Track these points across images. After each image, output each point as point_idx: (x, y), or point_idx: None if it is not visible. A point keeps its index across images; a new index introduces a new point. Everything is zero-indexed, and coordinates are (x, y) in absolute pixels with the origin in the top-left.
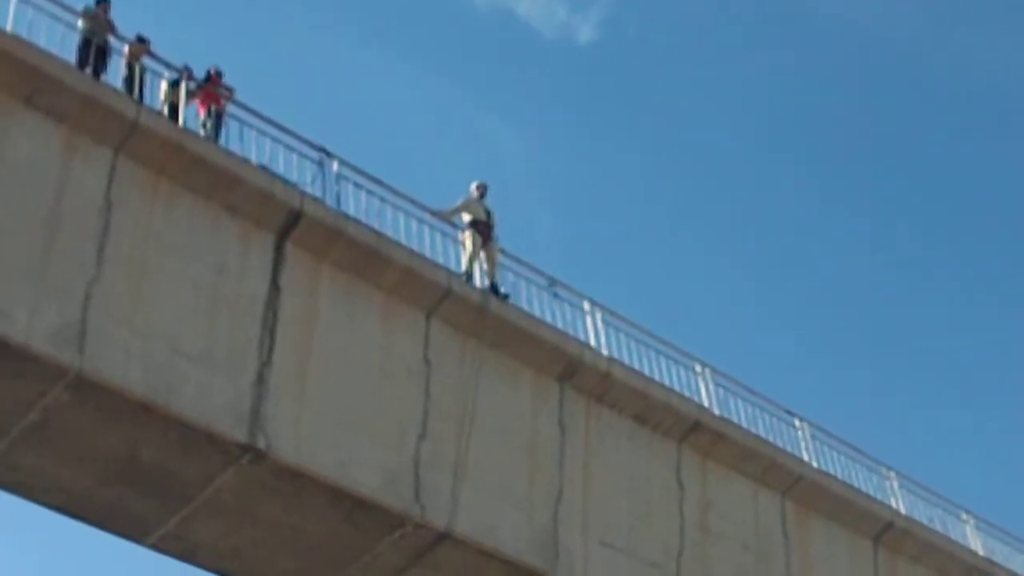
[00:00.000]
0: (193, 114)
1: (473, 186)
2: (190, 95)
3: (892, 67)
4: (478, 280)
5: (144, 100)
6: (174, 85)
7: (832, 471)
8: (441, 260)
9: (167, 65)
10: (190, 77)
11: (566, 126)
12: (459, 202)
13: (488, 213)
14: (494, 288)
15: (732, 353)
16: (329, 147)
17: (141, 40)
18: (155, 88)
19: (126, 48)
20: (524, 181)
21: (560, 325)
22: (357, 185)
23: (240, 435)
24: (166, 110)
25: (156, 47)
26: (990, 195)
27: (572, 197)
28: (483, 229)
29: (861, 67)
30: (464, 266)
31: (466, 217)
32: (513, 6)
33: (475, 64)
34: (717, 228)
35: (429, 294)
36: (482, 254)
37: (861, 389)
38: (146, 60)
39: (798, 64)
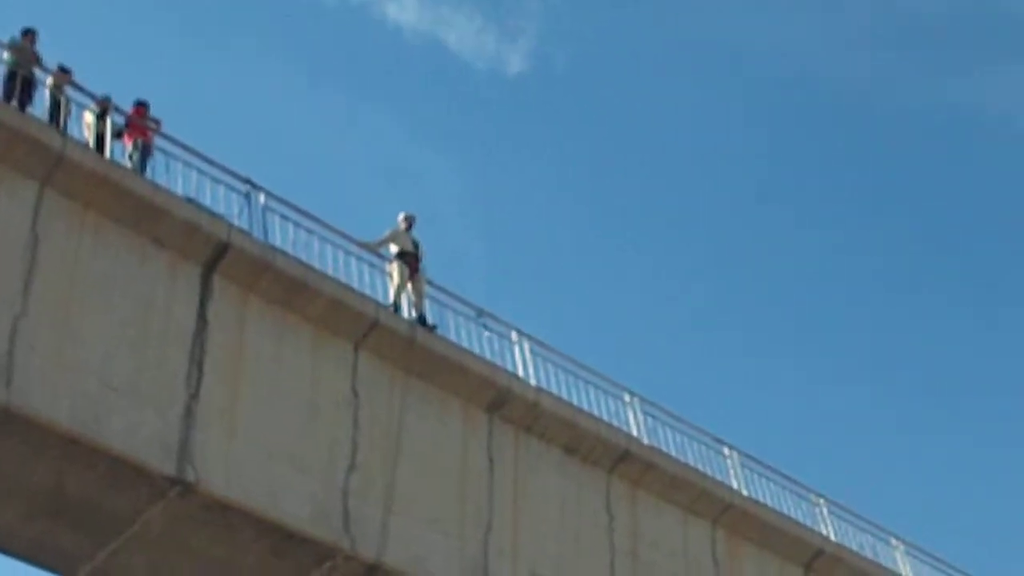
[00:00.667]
0: (119, 146)
1: (400, 217)
2: (116, 131)
3: (814, 93)
4: (406, 311)
5: (68, 130)
6: (100, 117)
7: (762, 498)
8: (369, 292)
9: (90, 96)
10: (112, 109)
11: (497, 156)
12: (386, 233)
13: (415, 244)
14: (422, 319)
15: (661, 382)
16: (256, 179)
17: (63, 70)
18: (79, 119)
19: (49, 79)
20: (455, 211)
21: (488, 356)
22: (284, 217)
23: (169, 468)
24: (92, 142)
25: (82, 80)
26: (942, 214)
27: (503, 227)
28: (410, 260)
29: (790, 91)
30: (392, 297)
31: (393, 248)
32: (443, 36)
33: (405, 95)
34: (646, 256)
35: (357, 325)
36: (409, 286)
37: (790, 416)
38: (70, 91)
39: (728, 90)
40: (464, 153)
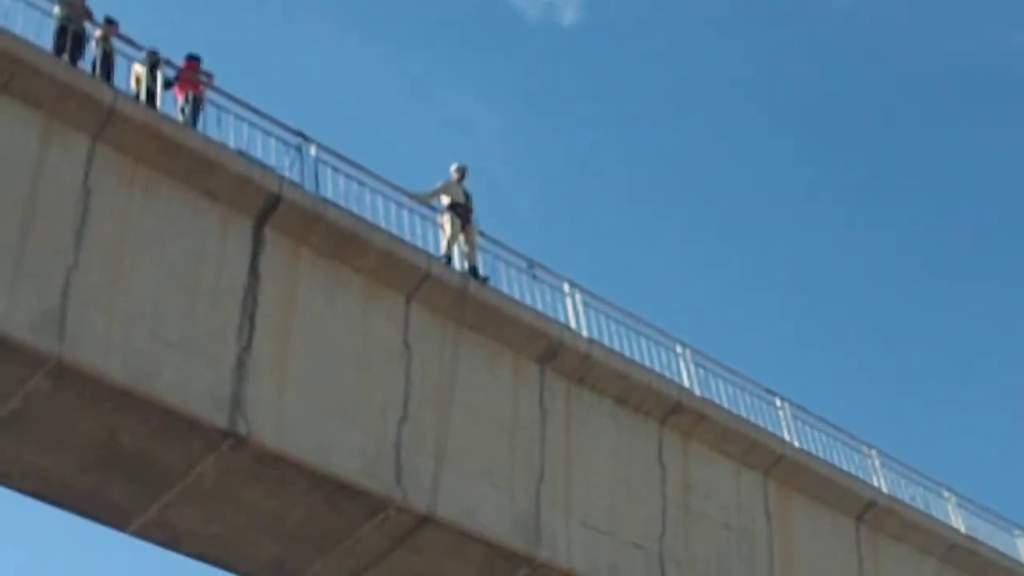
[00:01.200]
0: (171, 100)
1: (453, 168)
2: (166, 83)
3: (877, 50)
4: (458, 263)
5: (113, 81)
6: (151, 70)
7: (814, 450)
8: (420, 243)
9: (138, 48)
10: (162, 63)
11: (548, 108)
12: (438, 184)
13: (467, 196)
14: (474, 271)
15: (713, 334)
16: (307, 132)
17: (110, 22)
18: (125, 70)
19: (97, 31)
20: (505, 163)
21: (540, 307)
22: (335, 169)
23: (221, 421)
24: (144, 96)
25: (131, 32)
26: (971, 183)
27: (553, 179)
28: (462, 212)
29: (846, 48)
30: (444, 249)
31: (445, 200)
32: None
33: (457, 46)
34: (698, 210)
35: (409, 278)
36: (461, 237)
37: (842, 368)
38: (117, 43)
39: (781, 44)
40: (515, 104)
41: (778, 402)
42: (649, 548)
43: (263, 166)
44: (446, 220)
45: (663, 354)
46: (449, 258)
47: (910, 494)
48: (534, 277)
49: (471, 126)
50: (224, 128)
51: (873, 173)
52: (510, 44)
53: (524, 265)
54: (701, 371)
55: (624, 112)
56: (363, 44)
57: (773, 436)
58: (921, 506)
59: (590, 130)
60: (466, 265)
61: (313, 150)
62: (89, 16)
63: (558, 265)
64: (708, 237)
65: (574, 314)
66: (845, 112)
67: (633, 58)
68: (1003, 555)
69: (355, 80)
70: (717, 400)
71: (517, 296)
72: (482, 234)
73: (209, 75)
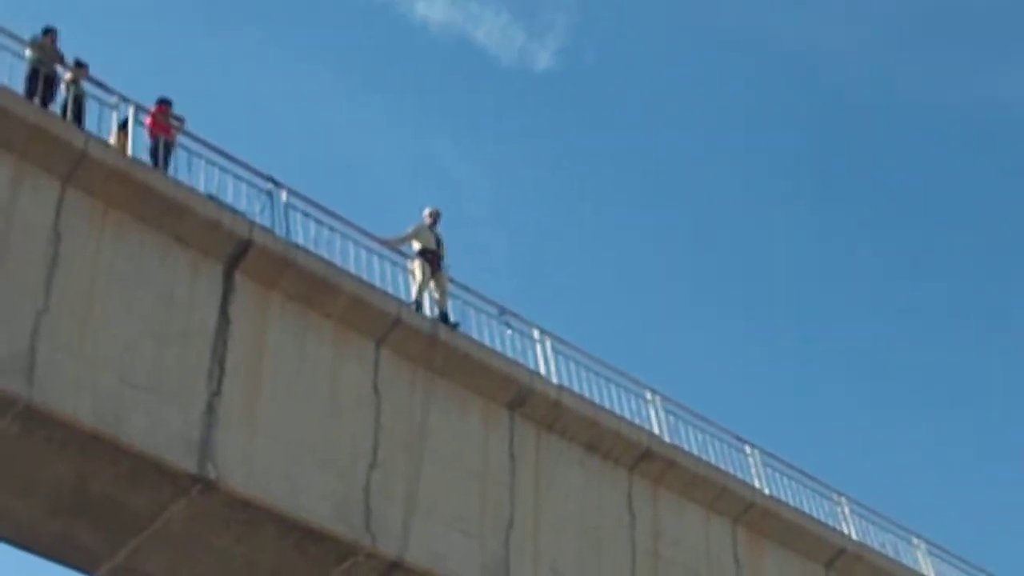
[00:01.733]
0: (142, 141)
1: (426, 212)
2: (122, 122)
3: (845, 86)
4: (428, 309)
5: (84, 125)
6: (123, 126)
7: (783, 497)
8: (391, 289)
9: (108, 90)
10: (134, 109)
11: (523, 153)
12: (409, 229)
13: (438, 241)
14: (444, 317)
15: (682, 381)
16: (278, 177)
17: (80, 65)
18: (96, 114)
19: (68, 73)
20: (480, 208)
21: (510, 353)
22: (306, 214)
23: (190, 466)
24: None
25: (104, 78)
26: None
27: (528, 224)
28: (432, 258)
29: (818, 86)
30: (414, 295)
31: (416, 245)
32: (471, 31)
33: (431, 91)
34: (670, 257)
35: (379, 323)
36: (432, 283)
37: (811, 414)
38: (88, 86)
39: (756, 87)
40: (489, 149)
41: (748, 449)
42: None
43: (233, 211)
44: (416, 266)
45: (633, 401)
46: (419, 304)
47: (880, 541)
48: (505, 324)
49: (444, 168)
50: (195, 172)
51: (853, 215)
52: (484, 88)
53: (494, 311)
54: (671, 418)
55: (597, 158)
56: (335, 83)
57: (743, 483)
58: (891, 553)
59: (563, 175)
60: (436, 311)
61: (284, 195)
62: (60, 59)
63: (529, 311)
64: (679, 285)
65: (544, 360)
66: (834, 161)
67: (607, 103)
68: None
69: (330, 123)
70: (687, 447)
71: (487, 342)
72: (452, 280)
73: (180, 119)
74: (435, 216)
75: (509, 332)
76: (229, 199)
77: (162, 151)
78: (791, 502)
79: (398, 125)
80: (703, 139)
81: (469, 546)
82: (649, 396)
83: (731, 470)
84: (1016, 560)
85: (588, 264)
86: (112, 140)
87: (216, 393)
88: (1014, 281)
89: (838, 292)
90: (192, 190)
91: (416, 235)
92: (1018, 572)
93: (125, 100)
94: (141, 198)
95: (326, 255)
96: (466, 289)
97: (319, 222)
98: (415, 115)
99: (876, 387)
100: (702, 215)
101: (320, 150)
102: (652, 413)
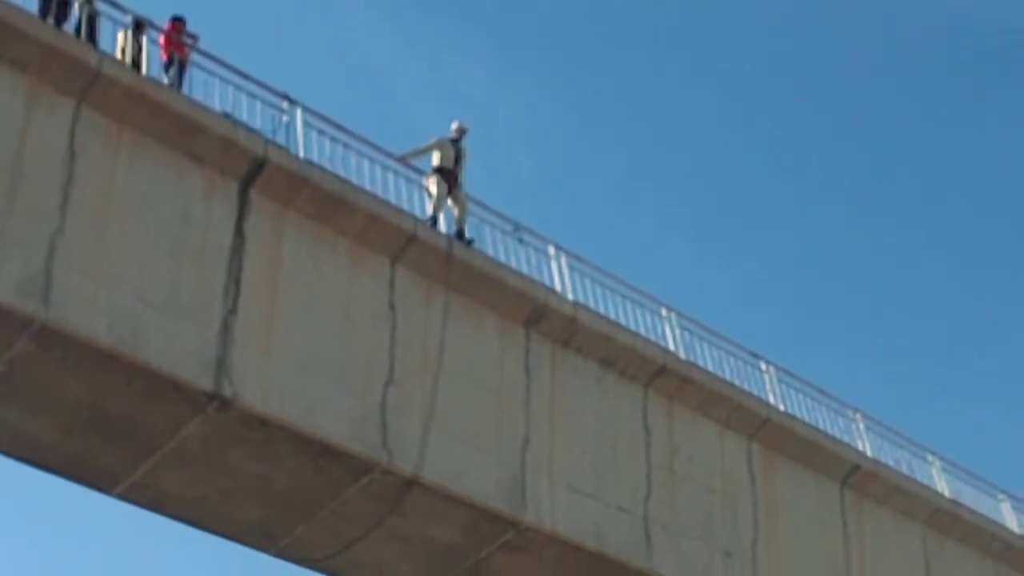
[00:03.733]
0: (156, 63)
1: (454, 126)
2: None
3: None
4: (444, 226)
5: (97, 44)
6: (136, 33)
7: (798, 414)
8: (407, 206)
9: (122, 9)
10: (145, 26)
11: (548, 75)
12: (432, 141)
13: (459, 156)
14: (460, 234)
15: (698, 297)
16: (294, 94)
17: None
18: (110, 33)
19: None
20: (504, 129)
21: (525, 270)
22: (321, 132)
23: (206, 383)
24: (129, 58)
25: None
26: (962, 153)
27: (544, 142)
28: (448, 176)
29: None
30: (429, 211)
31: (435, 160)
32: None
33: (456, 10)
34: (685, 174)
35: (394, 240)
36: (449, 200)
37: (827, 332)
38: (102, 5)
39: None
40: (512, 68)
41: (763, 366)
42: (634, 511)
43: (248, 129)
44: (431, 183)
45: (648, 317)
46: (435, 220)
47: (895, 458)
48: (520, 240)
49: (468, 90)
50: (209, 91)
51: (864, 139)
52: (510, 8)
53: (510, 228)
54: (686, 334)
55: (623, 81)
56: (352, 2)
57: (758, 399)
58: (906, 470)
59: (588, 97)
60: (453, 228)
61: (299, 113)
62: None
63: (548, 229)
64: (695, 201)
65: (559, 277)
66: (840, 84)
67: (633, 25)
68: (987, 519)
69: (349, 40)
70: (702, 363)
71: (503, 259)
72: (468, 197)
73: (194, 37)
74: (461, 131)
75: (525, 249)
76: (244, 117)
77: (176, 69)
78: (806, 418)
79: (422, 45)
80: (721, 60)
81: (485, 463)
82: (664, 313)
83: (746, 387)
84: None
85: (610, 184)
86: (119, 50)
87: (232, 311)
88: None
89: (855, 212)
90: (207, 108)
91: (437, 146)
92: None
93: (142, 24)
94: (156, 117)
95: (341, 172)
96: (482, 206)
97: (334, 139)
98: (439, 35)
99: (891, 305)
100: (719, 134)
101: (342, 69)
102: (667, 329)
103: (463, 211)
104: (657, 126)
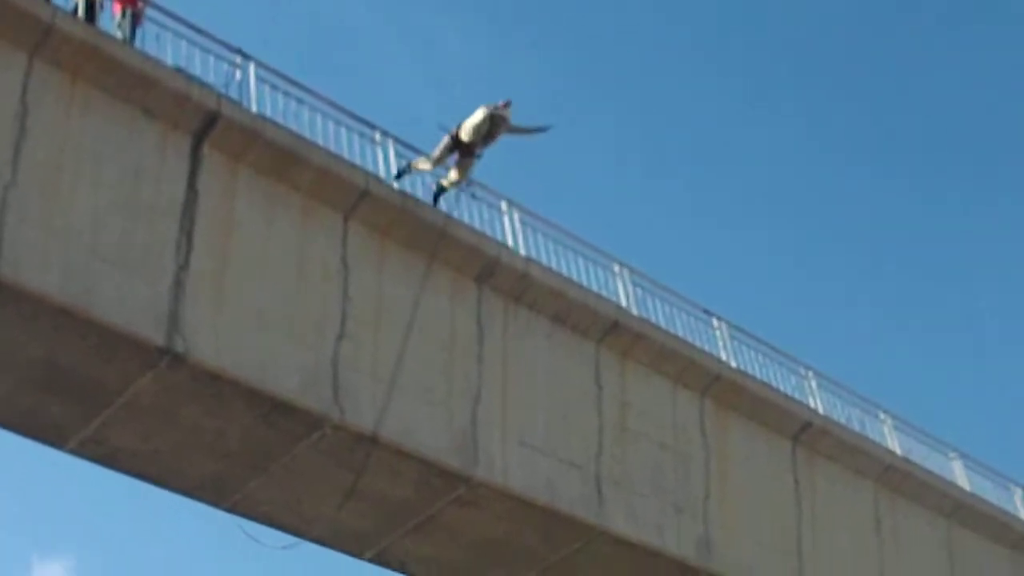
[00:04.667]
0: (108, 16)
1: (501, 102)
2: None
3: None
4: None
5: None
6: None
7: (751, 370)
8: (359, 161)
9: None
10: None
11: (518, 33)
12: (481, 111)
13: (490, 134)
14: (439, 192)
15: (651, 254)
16: (250, 50)
17: None
18: None
19: None
20: (472, 85)
21: (478, 226)
22: (275, 88)
23: (158, 338)
24: (82, 12)
25: None
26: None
27: (502, 92)
28: (465, 149)
29: None
30: (421, 166)
31: (471, 124)
32: None
33: None
34: (638, 130)
35: (346, 195)
36: (455, 172)
37: (781, 289)
38: None
39: None
40: (486, 28)
41: (715, 322)
42: (585, 467)
43: (202, 84)
44: (440, 145)
45: (601, 274)
46: (401, 173)
47: (846, 415)
48: (473, 196)
49: (440, 46)
50: (163, 45)
51: (819, 90)
52: None
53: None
54: (639, 291)
55: (591, 40)
56: None
57: (710, 356)
58: (857, 428)
59: (556, 56)
60: (435, 187)
61: (252, 68)
62: None
63: (501, 184)
64: (647, 157)
65: (512, 233)
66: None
67: None
68: (938, 477)
69: None
70: (655, 320)
71: (455, 214)
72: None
73: None
74: (503, 115)
75: (477, 204)
76: (198, 72)
77: (129, 23)
78: (758, 375)
79: (394, 2)
80: (689, 23)
81: (437, 419)
82: (617, 269)
83: (699, 343)
84: (981, 434)
85: (556, 138)
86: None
87: (184, 266)
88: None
89: (811, 167)
90: (160, 63)
91: (489, 111)
92: (983, 446)
93: None
94: (109, 71)
95: (294, 127)
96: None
97: (287, 95)
98: None
99: (845, 262)
100: (672, 86)
101: (313, 28)
102: (620, 286)
103: (460, 179)
104: (621, 83)
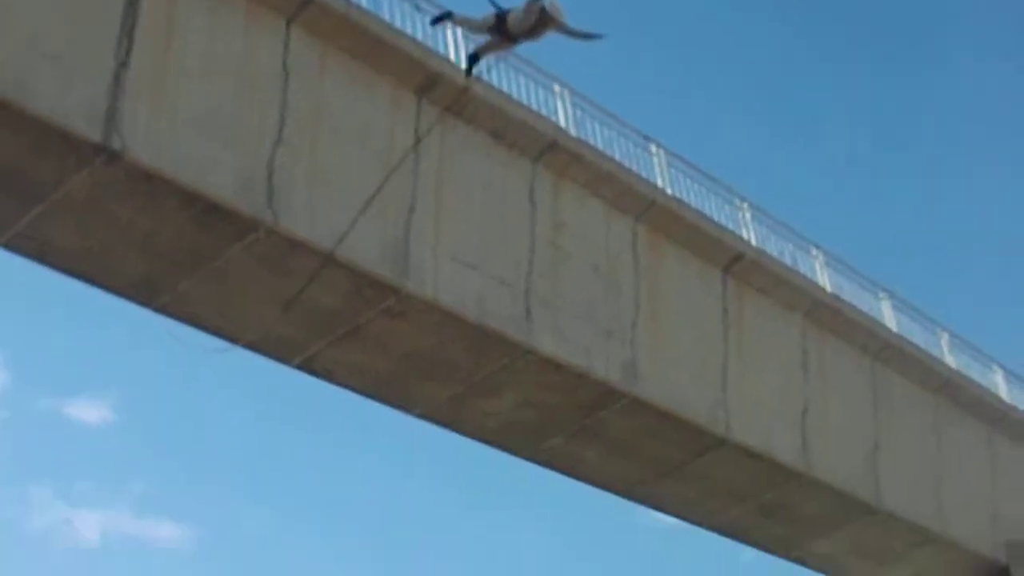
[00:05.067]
0: None
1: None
2: None
3: None
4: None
5: None
6: None
7: (686, 199)
8: None
9: None
10: None
11: None
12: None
13: (534, 30)
14: (473, 60)
15: (592, 75)
16: None
17: None
18: None
19: None
20: None
21: (421, 37)
22: None
23: (95, 135)
24: None
25: None
26: None
27: None
28: (506, 34)
29: None
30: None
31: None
32: None
33: None
34: None
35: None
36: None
37: (718, 118)
38: None
39: None
40: None
41: (653, 148)
42: (516, 285)
43: None
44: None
45: (541, 92)
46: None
47: (779, 249)
48: (417, 8)
49: None
50: None
51: None
52: None
53: None
54: (578, 112)
55: None
56: None
57: (646, 181)
58: (789, 262)
59: None
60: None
61: None
62: None
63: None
64: None
65: (454, 46)
66: None
67: None
68: (867, 316)
69: None
70: (592, 142)
71: (399, 24)
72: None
73: None
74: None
75: (421, 16)
76: None
77: None
78: (694, 204)
79: None
80: None
81: (369, 228)
82: (557, 89)
83: (636, 168)
84: (911, 275)
85: None
86: None
87: (124, 64)
88: None
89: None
90: None
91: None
92: (913, 286)
93: None
94: None
95: None
96: None
97: None
98: None
99: (788, 93)
100: None
101: None
102: (559, 105)
103: (491, 49)
104: None
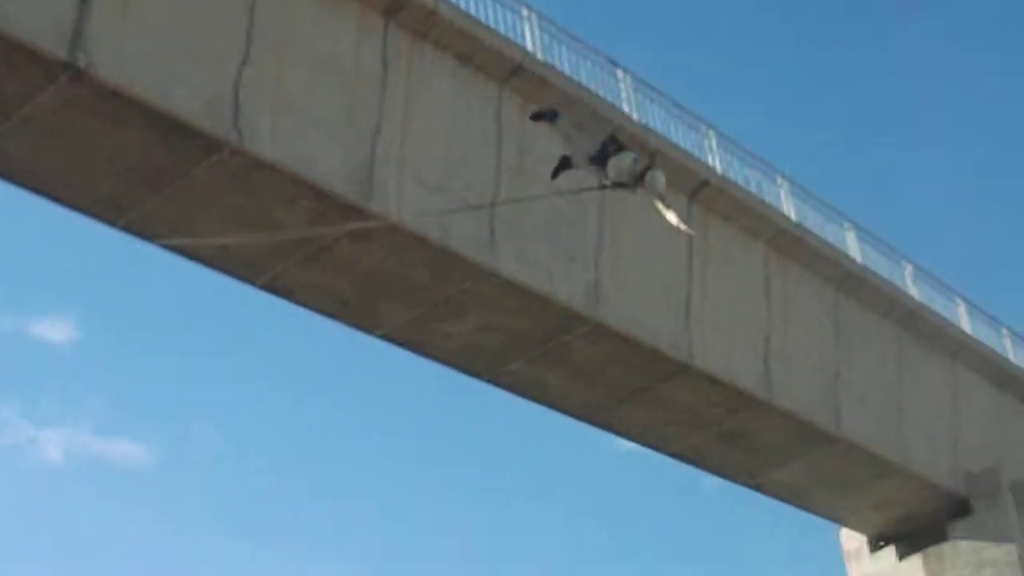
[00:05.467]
0: None
1: None
2: None
3: None
4: None
5: None
6: None
7: (652, 124)
8: None
9: None
10: None
11: None
12: None
13: None
14: None
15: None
16: None
17: None
18: None
19: None
20: None
21: None
22: None
23: (61, 52)
24: None
25: None
26: None
27: None
28: None
29: None
30: None
31: None
32: None
33: None
34: None
35: None
36: None
37: (687, 45)
38: None
39: None
40: None
41: (620, 73)
42: (480, 207)
43: None
44: None
45: (509, 17)
46: None
47: (744, 176)
48: None
49: None
50: None
51: None
52: None
53: None
54: (545, 36)
55: None
56: None
57: (611, 106)
58: (754, 190)
59: None
60: None
61: None
62: None
63: None
64: None
65: None
66: None
67: None
68: (830, 246)
69: None
70: (559, 67)
71: None
72: None
73: None
74: None
75: None
76: None
77: None
78: (660, 130)
79: None
80: None
81: (335, 150)
82: (525, 13)
83: (602, 93)
84: (879, 208)
85: None
86: None
87: None
88: None
89: None
90: None
91: None
92: (876, 217)
93: None
94: None
95: None
96: None
97: None
98: None
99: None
100: None
101: None
102: (527, 29)
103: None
104: None
